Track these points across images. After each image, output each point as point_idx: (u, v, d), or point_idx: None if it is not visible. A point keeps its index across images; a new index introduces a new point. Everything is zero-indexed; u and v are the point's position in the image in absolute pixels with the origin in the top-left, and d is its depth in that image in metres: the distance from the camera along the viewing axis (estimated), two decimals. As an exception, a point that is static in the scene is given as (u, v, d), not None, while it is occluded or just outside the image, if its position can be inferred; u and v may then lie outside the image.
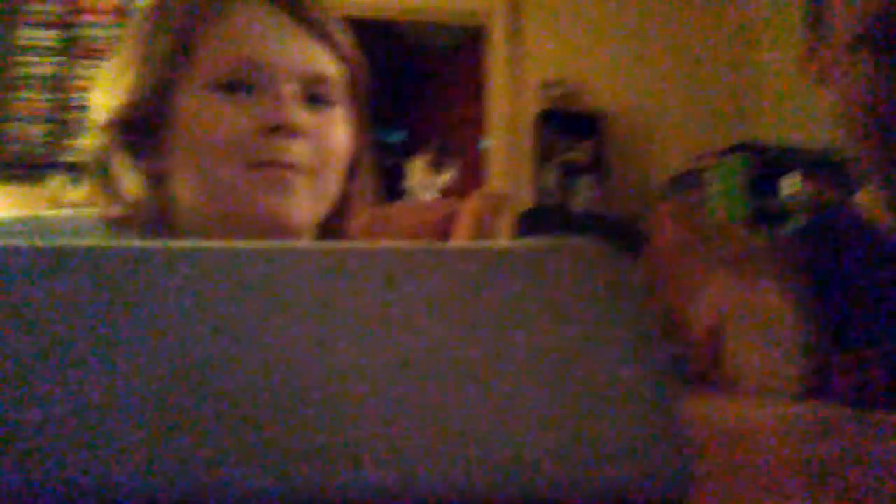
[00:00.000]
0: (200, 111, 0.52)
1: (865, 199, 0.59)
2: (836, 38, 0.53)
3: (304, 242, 0.17)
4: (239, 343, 0.15)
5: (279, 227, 0.53)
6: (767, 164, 2.88)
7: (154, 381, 0.15)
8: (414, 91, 4.70)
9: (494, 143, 3.45)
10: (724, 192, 3.01)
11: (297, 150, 0.52)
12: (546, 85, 3.41)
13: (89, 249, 0.16)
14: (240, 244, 0.16)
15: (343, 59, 0.57)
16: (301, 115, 0.52)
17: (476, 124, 3.72)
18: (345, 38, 0.58)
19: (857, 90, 0.52)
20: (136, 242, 0.16)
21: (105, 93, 0.56)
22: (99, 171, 0.55)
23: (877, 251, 0.55)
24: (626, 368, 0.15)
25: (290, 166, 0.52)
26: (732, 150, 3.02)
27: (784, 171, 2.87)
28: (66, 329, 0.15)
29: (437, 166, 3.00)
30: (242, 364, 0.15)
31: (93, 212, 0.57)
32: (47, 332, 0.15)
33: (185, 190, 0.55)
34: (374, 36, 4.53)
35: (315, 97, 0.55)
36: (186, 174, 0.54)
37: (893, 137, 0.50)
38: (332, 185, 0.57)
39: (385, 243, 0.16)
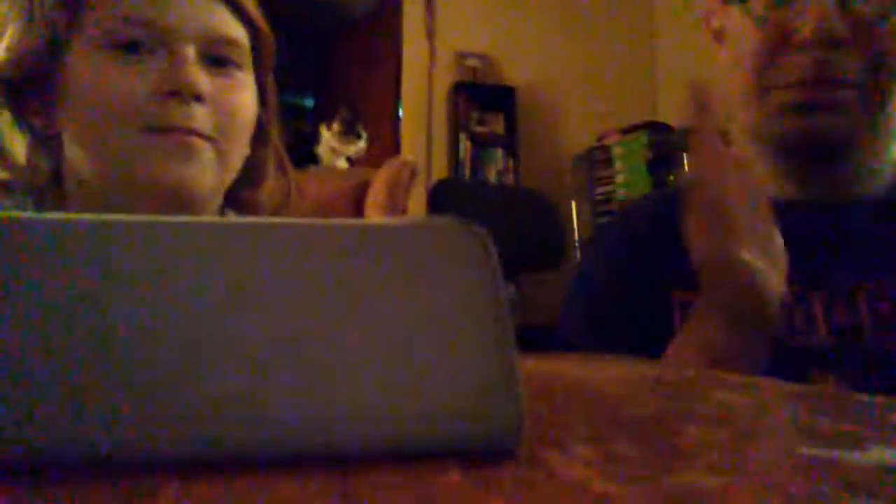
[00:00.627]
0: (92, 72, 0.49)
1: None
2: None
3: (185, 216, 0.17)
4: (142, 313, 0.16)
5: (183, 197, 0.51)
6: (669, 143, 3.02)
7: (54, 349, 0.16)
8: (327, 56, 4.59)
9: (408, 113, 3.43)
10: (628, 168, 3.14)
11: (199, 116, 0.50)
12: (460, 56, 3.42)
13: None
14: (130, 218, 0.16)
15: (246, 21, 0.55)
16: (201, 79, 0.50)
17: (390, 93, 3.68)
18: (249, 1, 0.56)
19: (745, 42, 0.55)
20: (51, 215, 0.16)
21: None
22: None
23: None
24: (474, 333, 0.17)
25: (192, 132, 0.50)
26: (636, 127, 3.15)
27: (687, 149, 3.01)
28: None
29: (348, 134, 2.95)
30: (141, 334, 0.16)
31: None
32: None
33: (75, 155, 0.52)
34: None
35: (217, 60, 0.52)
36: (77, 139, 0.51)
37: (767, 91, 0.54)
38: (238, 152, 0.55)
39: (261, 219, 0.17)
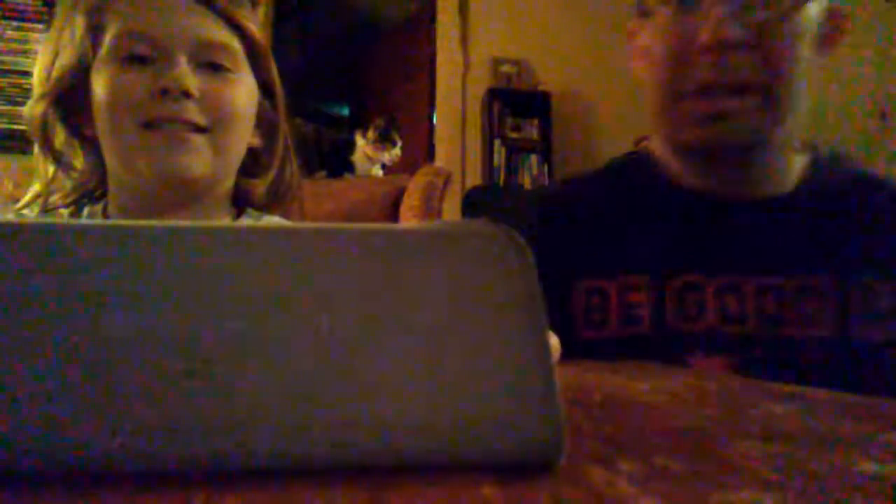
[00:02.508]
0: (105, 80, 0.58)
1: (655, 146, 0.67)
2: (648, 6, 0.60)
3: (231, 223, 0.18)
4: (183, 316, 0.16)
5: (180, 181, 0.59)
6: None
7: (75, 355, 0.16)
8: (362, 65, 4.63)
9: (442, 120, 3.44)
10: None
11: (188, 109, 0.58)
12: (495, 63, 3.41)
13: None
14: (180, 225, 0.17)
15: (236, 28, 0.62)
16: (191, 79, 0.58)
17: (425, 100, 3.69)
18: (239, 12, 0.63)
19: (654, 52, 0.59)
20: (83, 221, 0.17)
21: (38, 67, 0.62)
22: (42, 140, 0.62)
23: (659, 190, 0.64)
24: (513, 342, 0.17)
25: (183, 123, 0.57)
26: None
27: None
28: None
29: (383, 141, 2.97)
30: (187, 335, 0.16)
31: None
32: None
33: (106, 155, 0.61)
34: (323, 8, 4.44)
35: (210, 64, 0.60)
36: (104, 140, 0.60)
37: (676, 101, 0.58)
38: (235, 143, 0.62)
39: (306, 224, 0.18)
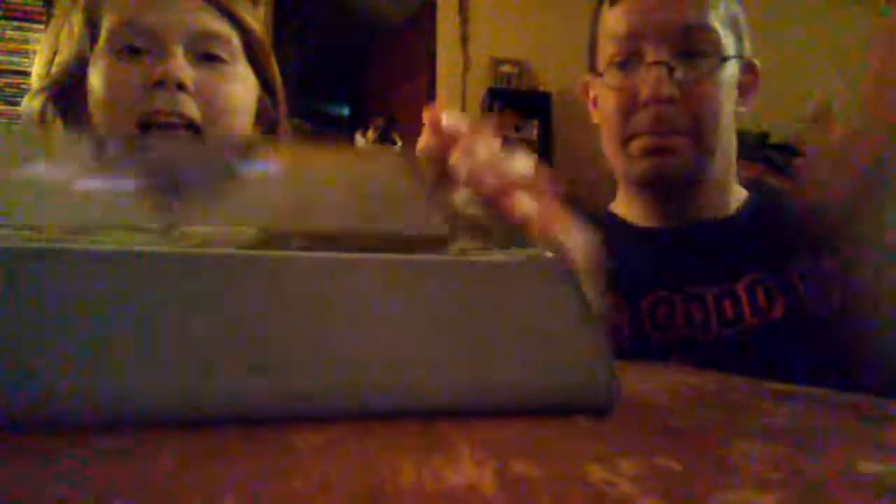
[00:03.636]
0: (102, 73, 0.57)
1: (618, 206, 0.81)
2: (598, 70, 0.74)
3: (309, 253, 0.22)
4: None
5: None
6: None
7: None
8: (362, 65, 4.63)
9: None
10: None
11: (182, 102, 0.57)
12: (495, 63, 3.41)
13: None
14: (272, 254, 0.22)
15: (232, 20, 0.61)
16: (185, 70, 0.57)
17: (425, 100, 3.69)
18: (236, 3, 0.62)
19: (606, 104, 0.72)
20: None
21: (38, 63, 0.62)
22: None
23: (629, 241, 0.75)
24: (575, 333, 0.24)
25: (176, 116, 0.57)
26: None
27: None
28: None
29: (383, 141, 2.97)
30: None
31: None
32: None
33: None
34: (322, 8, 4.43)
35: (206, 56, 0.59)
36: (101, 132, 0.59)
37: (627, 141, 0.70)
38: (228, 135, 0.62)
39: (381, 256, 0.23)
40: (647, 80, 0.66)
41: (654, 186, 0.72)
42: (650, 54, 0.67)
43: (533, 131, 3.37)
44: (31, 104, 0.61)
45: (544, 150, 3.36)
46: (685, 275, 0.70)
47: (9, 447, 0.17)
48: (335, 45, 4.74)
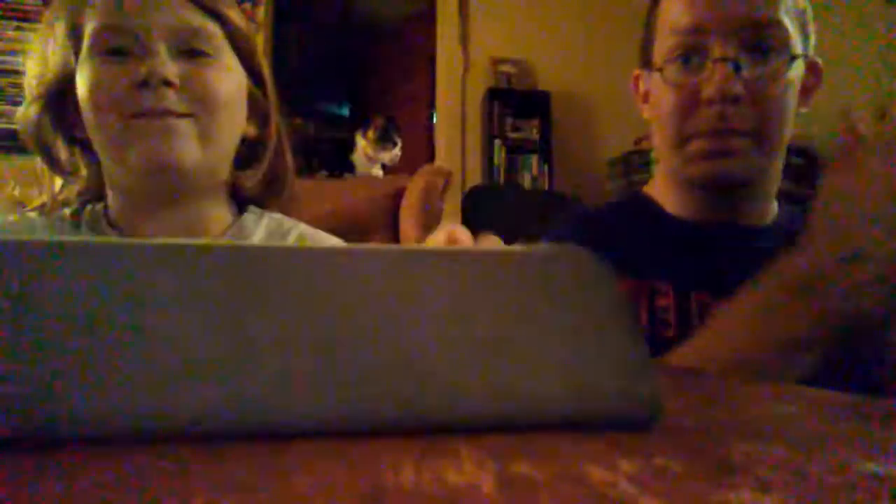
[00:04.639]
0: (88, 77, 0.58)
1: (654, 189, 0.77)
2: (655, 65, 0.70)
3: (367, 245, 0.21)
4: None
5: (167, 170, 0.58)
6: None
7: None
8: (362, 65, 4.63)
9: (442, 120, 3.44)
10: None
11: (169, 97, 0.57)
12: (495, 63, 3.41)
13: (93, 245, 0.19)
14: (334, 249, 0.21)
15: (213, 14, 0.62)
16: (169, 67, 0.57)
17: (424, 100, 3.69)
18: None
19: (665, 102, 0.68)
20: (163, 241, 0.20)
21: (29, 72, 0.63)
22: (42, 152, 0.62)
23: (660, 227, 0.73)
24: (612, 337, 0.22)
25: (166, 112, 0.57)
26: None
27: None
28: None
29: (383, 141, 2.97)
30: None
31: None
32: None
33: (97, 152, 0.61)
34: (323, 8, 4.43)
35: (190, 51, 0.60)
36: (93, 137, 0.59)
37: (685, 141, 0.67)
38: (223, 128, 0.62)
39: (414, 246, 0.22)
40: (713, 78, 0.63)
41: (710, 188, 0.69)
42: (716, 50, 0.64)
43: (533, 131, 3.37)
44: (27, 113, 0.61)
45: (544, 150, 3.36)
46: (725, 277, 0.66)
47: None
48: (335, 45, 4.74)
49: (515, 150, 3.34)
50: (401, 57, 4.13)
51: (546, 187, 3.30)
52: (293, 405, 0.19)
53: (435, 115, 3.53)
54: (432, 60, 3.54)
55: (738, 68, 0.63)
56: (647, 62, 0.74)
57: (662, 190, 0.76)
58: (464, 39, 3.44)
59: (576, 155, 3.47)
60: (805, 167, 2.64)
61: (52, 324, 0.18)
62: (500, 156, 3.31)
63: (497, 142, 3.31)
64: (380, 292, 0.20)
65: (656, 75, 0.69)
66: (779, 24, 0.64)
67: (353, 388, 0.19)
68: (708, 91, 0.63)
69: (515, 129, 3.37)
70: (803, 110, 0.69)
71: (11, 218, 0.65)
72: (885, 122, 0.54)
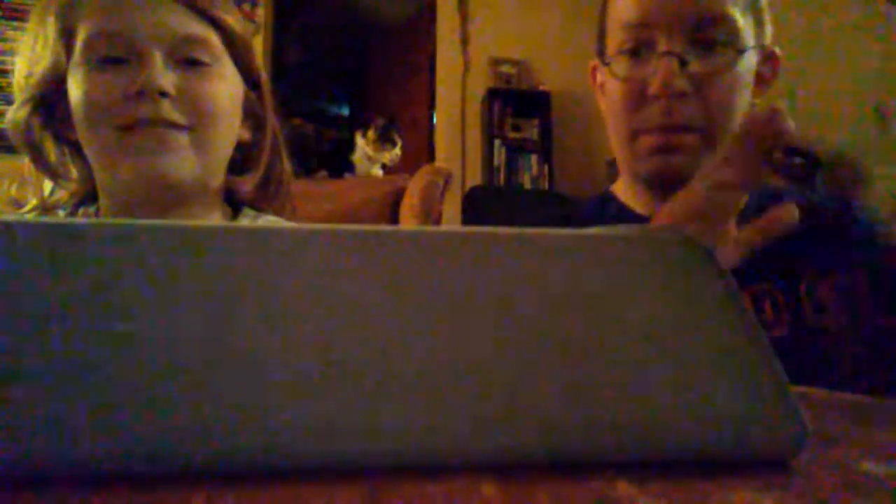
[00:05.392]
0: (81, 85, 0.56)
1: (619, 189, 0.77)
2: (607, 55, 0.69)
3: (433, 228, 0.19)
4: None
5: (164, 185, 0.56)
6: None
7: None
8: (362, 65, 4.63)
9: (442, 120, 3.44)
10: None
11: (165, 108, 0.55)
12: (495, 63, 3.41)
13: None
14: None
15: (212, 22, 0.60)
16: (165, 77, 0.55)
17: (424, 100, 3.69)
18: (211, 3, 0.61)
19: (614, 95, 0.67)
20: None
21: (18, 73, 0.61)
22: (33, 154, 0.60)
23: (625, 218, 0.72)
24: (728, 339, 0.17)
25: (161, 123, 0.55)
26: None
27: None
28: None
29: (383, 141, 2.97)
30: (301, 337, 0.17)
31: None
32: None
33: (90, 159, 0.59)
34: (323, 8, 4.43)
35: (186, 60, 0.58)
36: (85, 144, 0.58)
37: (634, 136, 0.66)
38: (219, 139, 0.60)
39: (481, 228, 0.18)
40: (658, 73, 0.62)
41: (661, 183, 0.69)
42: (661, 44, 0.63)
43: (533, 131, 3.37)
44: (16, 115, 0.59)
45: (543, 150, 3.36)
46: None
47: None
48: (335, 45, 4.74)
49: (515, 149, 3.34)
50: (401, 57, 4.13)
51: (546, 187, 3.30)
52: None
53: (435, 115, 3.53)
54: (432, 60, 3.54)
55: (683, 63, 0.62)
56: (601, 53, 0.73)
57: (624, 186, 0.76)
58: (464, 39, 3.44)
59: (576, 155, 3.47)
60: (805, 167, 2.64)
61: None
62: (500, 156, 3.31)
63: (497, 142, 3.31)
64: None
65: (607, 68, 0.69)
66: (726, 17, 0.63)
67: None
68: (653, 86, 0.63)
69: (515, 129, 3.37)
70: (757, 101, 0.68)
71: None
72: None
